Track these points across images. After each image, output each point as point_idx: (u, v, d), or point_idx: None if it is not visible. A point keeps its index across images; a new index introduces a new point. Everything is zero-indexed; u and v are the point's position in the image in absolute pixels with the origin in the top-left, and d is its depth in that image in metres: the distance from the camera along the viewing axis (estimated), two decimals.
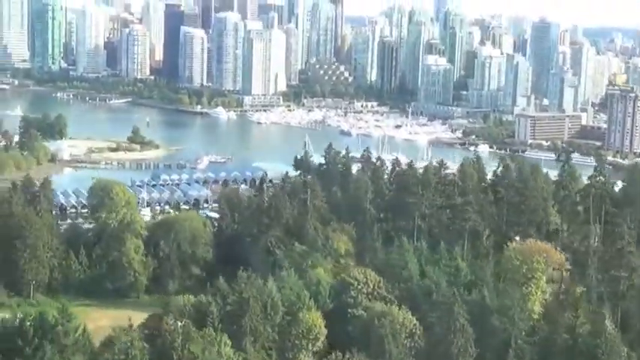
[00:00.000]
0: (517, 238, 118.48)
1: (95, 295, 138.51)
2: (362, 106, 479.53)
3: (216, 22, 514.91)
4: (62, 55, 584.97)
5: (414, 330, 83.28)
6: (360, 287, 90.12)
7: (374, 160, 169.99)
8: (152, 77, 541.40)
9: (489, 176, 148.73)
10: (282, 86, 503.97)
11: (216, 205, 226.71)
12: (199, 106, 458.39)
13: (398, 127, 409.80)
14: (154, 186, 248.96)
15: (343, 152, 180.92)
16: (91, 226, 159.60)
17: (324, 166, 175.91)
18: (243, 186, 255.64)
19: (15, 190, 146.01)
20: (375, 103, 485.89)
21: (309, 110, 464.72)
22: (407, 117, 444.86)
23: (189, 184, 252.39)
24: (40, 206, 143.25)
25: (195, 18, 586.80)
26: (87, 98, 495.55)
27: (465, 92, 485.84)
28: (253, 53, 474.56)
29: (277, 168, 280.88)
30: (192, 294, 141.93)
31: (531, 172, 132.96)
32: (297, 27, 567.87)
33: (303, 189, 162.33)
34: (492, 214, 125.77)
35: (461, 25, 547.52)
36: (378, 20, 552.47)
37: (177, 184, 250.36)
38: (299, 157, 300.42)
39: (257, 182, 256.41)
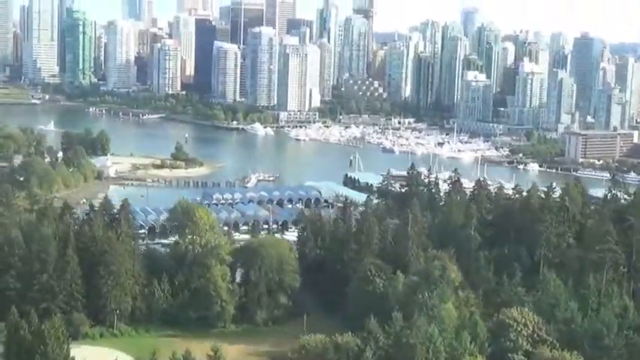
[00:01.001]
0: None
1: (179, 325, 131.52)
2: (399, 122, 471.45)
3: (251, 38, 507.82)
4: (92, 69, 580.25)
5: None
6: (519, 329, 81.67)
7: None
8: (183, 92, 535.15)
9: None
10: (316, 102, 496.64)
11: (275, 226, 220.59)
12: (235, 122, 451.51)
13: (440, 144, 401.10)
14: (207, 205, 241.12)
15: (425, 173, 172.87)
16: (163, 249, 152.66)
17: (406, 188, 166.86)
18: (298, 206, 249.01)
19: (94, 213, 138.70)
20: (411, 120, 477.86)
21: (346, 127, 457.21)
22: (447, 134, 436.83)
23: (243, 203, 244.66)
24: (121, 230, 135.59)
25: (226, 33, 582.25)
26: (120, 113, 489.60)
27: (502, 109, 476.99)
28: (289, 68, 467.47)
29: (329, 187, 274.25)
30: (280, 324, 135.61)
31: None
32: (328, 42, 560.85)
33: (387, 213, 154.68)
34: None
35: (495, 40, 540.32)
36: (412, 36, 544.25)
37: (231, 204, 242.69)
38: (349, 175, 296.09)
39: (312, 202, 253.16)
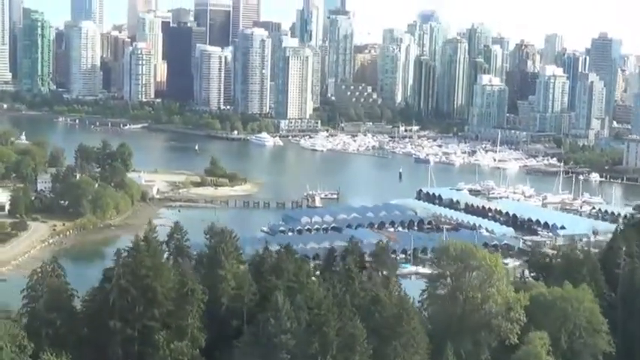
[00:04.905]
0: None
1: None
2: (405, 130, 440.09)
3: (242, 39, 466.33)
4: (51, 76, 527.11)
5: None
6: None
7: None
8: (159, 100, 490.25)
9: None
10: (309, 109, 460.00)
11: (403, 255, 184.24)
12: (236, 132, 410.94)
13: (471, 153, 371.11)
14: (299, 232, 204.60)
15: None
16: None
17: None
18: (400, 229, 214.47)
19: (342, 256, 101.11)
20: (416, 127, 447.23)
21: (353, 135, 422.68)
22: (465, 142, 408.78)
23: (340, 227, 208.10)
24: (390, 282, 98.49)
25: (202, 35, 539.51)
26: (96, 123, 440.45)
27: (509, 115, 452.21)
28: (289, 73, 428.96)
29: (419, 205, 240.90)
30: None
31: None
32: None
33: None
34: None
35: (486, 42, 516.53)
36: (404, 38, 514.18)
37: (329, 229, 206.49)
38: (424, 191, 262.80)
39: (415, 224, 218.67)
